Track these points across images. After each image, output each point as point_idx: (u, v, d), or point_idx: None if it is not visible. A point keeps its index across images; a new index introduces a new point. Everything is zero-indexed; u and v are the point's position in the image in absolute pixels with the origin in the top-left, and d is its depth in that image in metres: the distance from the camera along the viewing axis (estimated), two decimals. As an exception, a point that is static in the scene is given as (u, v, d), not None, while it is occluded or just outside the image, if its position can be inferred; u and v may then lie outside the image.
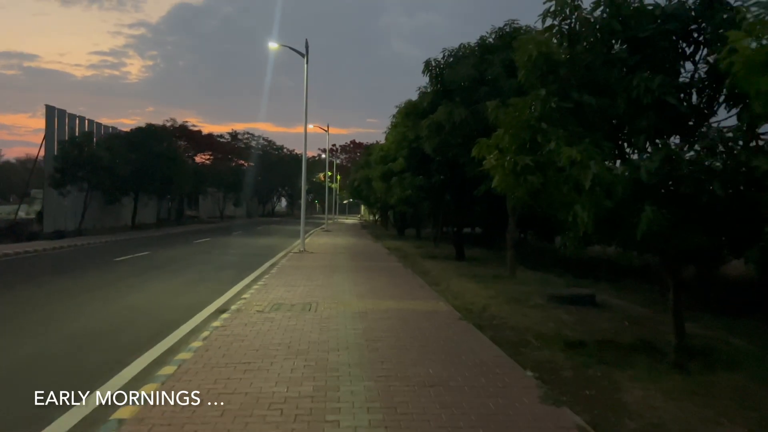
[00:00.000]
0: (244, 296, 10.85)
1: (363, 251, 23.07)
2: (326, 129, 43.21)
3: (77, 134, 33.25)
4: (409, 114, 16.06)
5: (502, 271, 16.22)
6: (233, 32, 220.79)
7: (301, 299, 10.54)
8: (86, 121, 36.81)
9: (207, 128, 71.26)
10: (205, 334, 7.59)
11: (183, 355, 6.49)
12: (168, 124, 52.69)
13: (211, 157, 64.61)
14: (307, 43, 21.81)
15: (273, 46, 22.90)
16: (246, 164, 76.84)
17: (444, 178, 18.55)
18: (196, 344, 7.02)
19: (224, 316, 8.90)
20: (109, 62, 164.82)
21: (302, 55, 21.81)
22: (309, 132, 23.22)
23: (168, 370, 5.87)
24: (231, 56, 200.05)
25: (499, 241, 28.67)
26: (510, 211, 14.81)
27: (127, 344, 7.25)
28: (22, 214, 38.01)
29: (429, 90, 15.11)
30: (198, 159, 60.57)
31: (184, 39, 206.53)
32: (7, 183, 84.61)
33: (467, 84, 13.51)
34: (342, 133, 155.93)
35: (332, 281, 13.15)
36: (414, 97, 17.27)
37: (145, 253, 19.91)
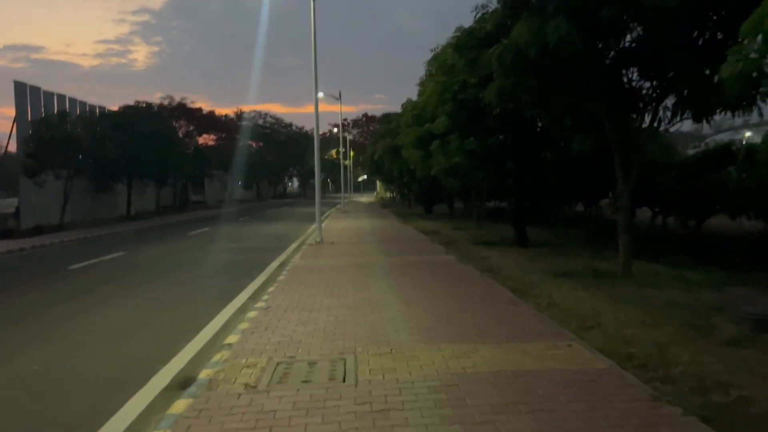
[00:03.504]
0: (230, 340, 6.38)
1: (395, 238, 18.49)
2: (338, 97, 38.39)
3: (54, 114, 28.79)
4: (462, 47, 11.11)
5: (596, 261, 11.63)
6: (237, 14, 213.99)
7: (325, 345, 6.05)
8: (67, 99, 32.23)
9: (216, 111, 65.92)
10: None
11: None
12: (165, 102, 47.96)
13: (216, 138, 59.97)
14: (312, -25, 17.03)
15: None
16: (254, 144, 72.52)
17: (504, 139, 13.86)
18: None
19: (177, 407, 4.43)
20: (115, 50, 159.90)
21: (307, -9, 17.06)
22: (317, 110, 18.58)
23: None
24: (236, 39, 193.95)
25: (551, 217, 23.95)
26: (621, 176, 10.11)
27: None
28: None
29: (494, 6, 10.30)
30: (201, 140, 55.89)
31: (188, 23, 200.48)
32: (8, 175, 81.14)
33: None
34: (351, 111, 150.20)
35: (369, 297, 8.62)
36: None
37: (118, 255, 15.41)
